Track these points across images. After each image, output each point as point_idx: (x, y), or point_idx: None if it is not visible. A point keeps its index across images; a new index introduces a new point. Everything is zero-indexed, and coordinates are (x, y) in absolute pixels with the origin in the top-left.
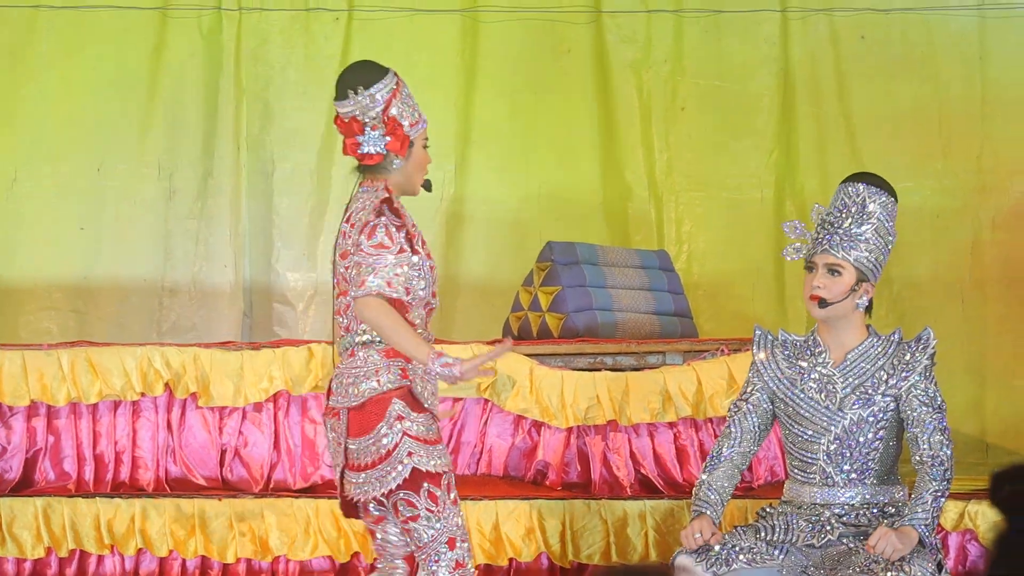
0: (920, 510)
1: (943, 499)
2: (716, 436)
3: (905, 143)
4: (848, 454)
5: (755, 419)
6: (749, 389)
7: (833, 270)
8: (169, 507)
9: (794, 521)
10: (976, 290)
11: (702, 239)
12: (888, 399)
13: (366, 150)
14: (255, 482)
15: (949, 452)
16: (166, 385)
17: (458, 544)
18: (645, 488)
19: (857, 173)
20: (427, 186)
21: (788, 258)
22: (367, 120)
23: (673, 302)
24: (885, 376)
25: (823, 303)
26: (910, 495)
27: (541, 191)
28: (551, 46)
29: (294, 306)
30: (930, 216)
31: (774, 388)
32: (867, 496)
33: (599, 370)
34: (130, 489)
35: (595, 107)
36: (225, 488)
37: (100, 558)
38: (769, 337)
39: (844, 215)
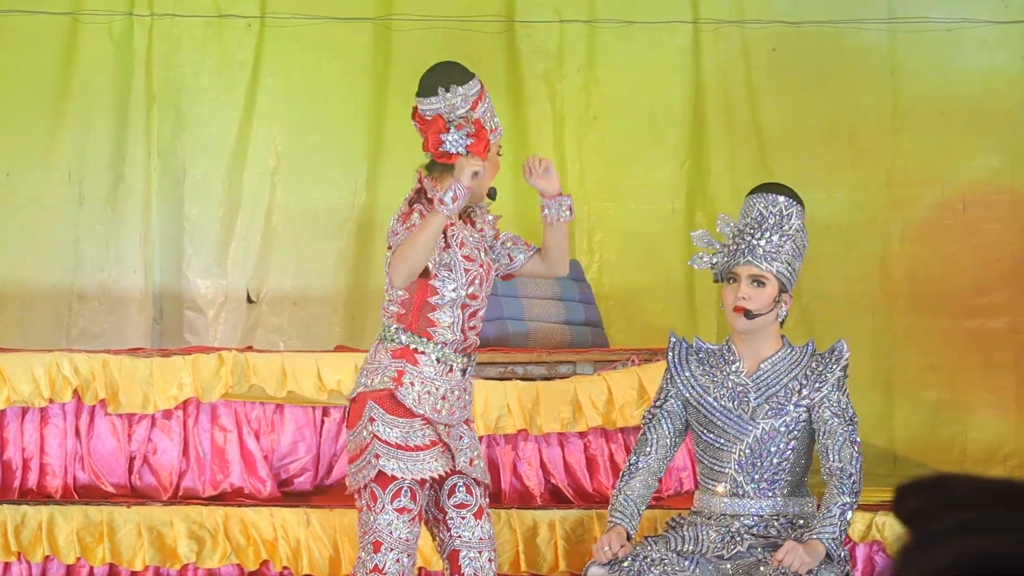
0: (828, 523)
1: (851, 512)
2: (627, 446)
3: (816, 155)
4: (759, 464)
5: (669, 426)
6: (663, 396)
7: (757, 281)
8: (77, 514)
9: (704, 532)
10: (885, 303)
11: (614, 249)
12: (800, 410)
13: (448, 148)
14: (164, 489)
15: (858, 465)
16: (75, 392)
17: (383, 551)
18: (555, 498)
19: (768, 184)
20: (492, 194)
21: (696, 266)
22: (452, 119)
23: (584, 312)
24: (798, 387)
25: (749, 314)
26: (819, 507)
27: None
28: (464, 55)
29: (204, 313)
30: (840, 229)
31: (687, 395)
32: (777, 507)
33: (510, 379)
34: (38, 496)
35: (507, 116)
36: (134, 495)
37: (7, 565)
38: (684, 344)
39: (763, 226)
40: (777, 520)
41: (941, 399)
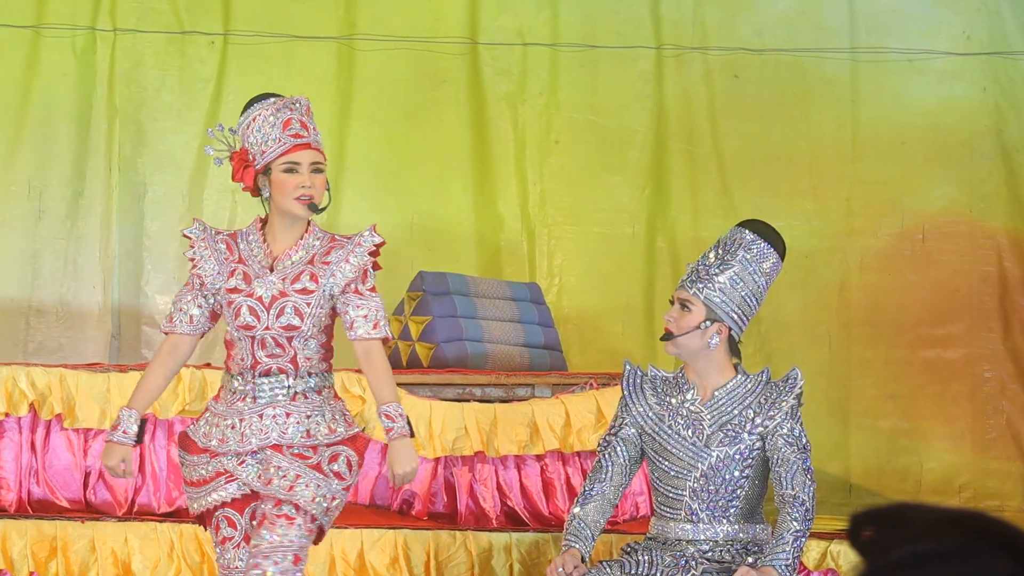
0: (780, 550)
1: (804, 539)
2: (583, 469)
3: (776, 183)
4: (714, 491)
5: (625, 453)
6: (618, 423)
7: (684, 305)
8: (31, 529)
9: (658, 557)
10: (842, 331)
11: (573, 273)
12: (754, 437)
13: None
14: (119, 505)
15: (812, 492)
16: (31, 406)
17: None
18: (511, 520)
19: (752, 220)
20: (312, 208)
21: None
22: (234, 161)
23: (543, 335)
24: (752, 415)
25: (667, 335)
26: (773, 534)
27: (414, 220)
28: (427, 76)
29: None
30: (799, 257)
31: (642, 423)
32: (731, 533)
33: (468, 401)
34: None
35: (469, 138)
36: (88, 511)
37: None
38: (638, 372)
39: (710, 254)
40: (731, 546)
41: (897, 428)
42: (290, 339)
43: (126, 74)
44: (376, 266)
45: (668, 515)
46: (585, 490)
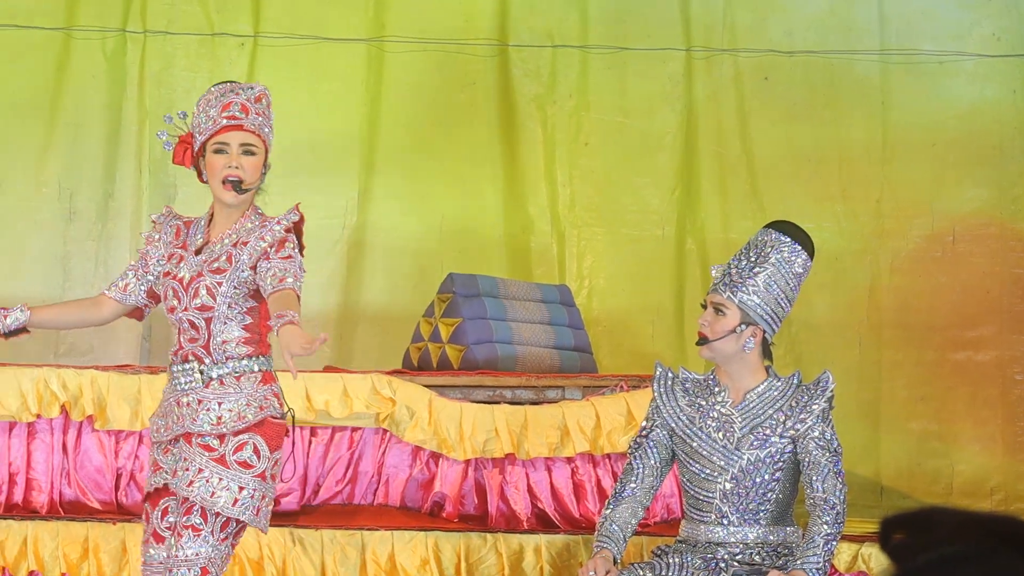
0: (811, 553)
1: (835, 543)
2: (614, 472)
3: (806, 185)
4: (744, 494)
5: (656, 455)
6: (648, 425)
7: (718, 309)
8: (63, 530)
9: (689, 560)
10: (872, 334)
11: (603, 275)
12: (785, 441)
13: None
14: None
15: (842, 496)
16: (62, 407)
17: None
18: (541, 522)
19: (779, 221)
20: (236, 187)
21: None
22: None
23: (573, 337)
24: (783, 418)
25: (703, 340)
26: (803, 537)
27: (444, 222)
28: (456, 78)
29: None
30: (829, 258)
31: (673, 425)
32: (761, 536)
33: (498, 403)
34: (23, 511)
35: (499, 140)
36: (120, 512)
37: None
38: (669, 374)
39: (742, 258)
40: (762, 548)
41: (928, 431)
42: (208, 321)
43: (156, 76)
44: (299, 243)
45: (698, 518)
46: (616, 492)
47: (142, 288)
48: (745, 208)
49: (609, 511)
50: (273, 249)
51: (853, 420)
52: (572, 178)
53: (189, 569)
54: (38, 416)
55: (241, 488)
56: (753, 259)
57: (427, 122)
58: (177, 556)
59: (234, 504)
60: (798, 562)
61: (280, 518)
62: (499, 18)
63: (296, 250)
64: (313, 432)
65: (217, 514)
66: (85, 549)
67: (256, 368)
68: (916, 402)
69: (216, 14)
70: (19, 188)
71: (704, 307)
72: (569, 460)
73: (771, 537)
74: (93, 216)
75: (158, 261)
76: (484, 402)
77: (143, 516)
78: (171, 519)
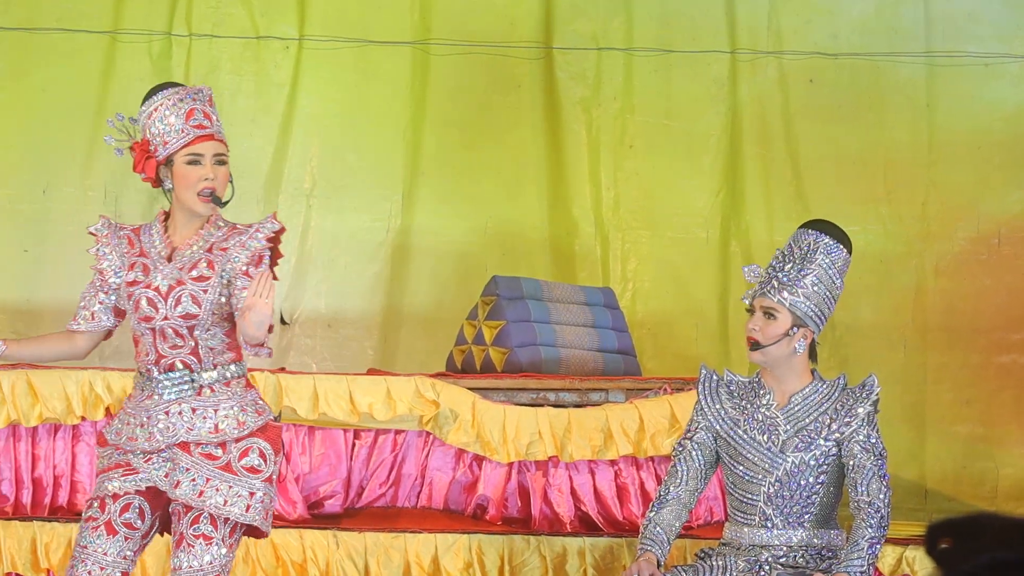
0: (855, 556)
1: (879, 546)
2: (657, 475)
3: (851, 187)
4: (788, 496)
5: (700, 458)
6: (693, 428)
7: (768, 313)
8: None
9: (732, 562)
10: (918, 336)
11: (647, 277)
12: (830, 444)
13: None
14: None
15: (887, 499)
16: (107, 410)
17: (71, 562)
18: (585, 525)
19: (815, 220)
20: (216, 201)
21: (746, 302)
22: (135, 152)
23: (617, 339)
24: (828, 421)
25: (755, 345)
26: (847, 540)
27: (488, 225)
28: (501, 81)
29: None
30: (874, 261)
31: (717, 428)
32: (805, 539)
33: (541, 405)
34: (68, 513)
35: (544, 142)
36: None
37: None
38: (714, 377)
39: (787, 260)
40: (806, 551)
41: (973, 434)
42: (191, 329)
43: (202, 79)
44: (276, 253)
45: (742, 520)
46: (660, 495)
47: (108, 309)
48: (790, 210)
49: (653, 514)
50: (252, 263)
51: (898, 423)
52: (616, 181)
53: None
54: (83, 419)
55: (252, 494)
56: (799, 261)
57: (472, 125)
58: (193, 567)
59: (247, 511)
60: (842, 565)
61: (324, 520)
62: (544, 21)
63: (270, 265)
64: (357, 435)
65: (227, 520)
66: None
67: (240, 373)
68: (961, 405)
69: (261, 17)
70: (65, 192)
71: (750, 311)
72: (613, 463)
73: (815, 540)
74: (138, 220)
75: (116, 273)
76: (528, 405)
77: (87, 506)
78: (129, 517)
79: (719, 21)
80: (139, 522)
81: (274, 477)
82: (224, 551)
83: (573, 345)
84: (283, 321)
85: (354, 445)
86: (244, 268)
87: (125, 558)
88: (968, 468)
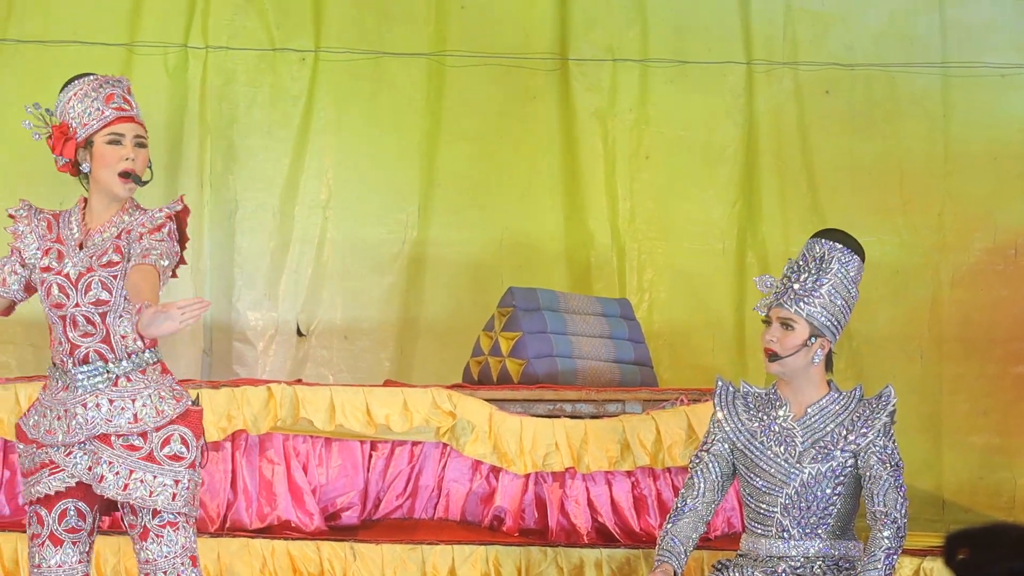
0: (872, 567)
1: (896, 557)
2: (674, 486)
3: (867, 198)
4: (805, 507)
5: (717, 469)
6: (710, 440)
7: (786, 324)
8: (124, 544)
9: (750, 573)
10: (934, 347)
11: (663, 288)
12: (847, 455)
13: (56, 161)
14: (211, 521)
15: (904, 510)
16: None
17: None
18: (602, 536)
19: (826, 229)
20: (136, 180)
21: (761, 312)
22: (54, 135)
23: (634, 351)
24: (844, 432)
25: (774, 357)
26: (864, 551)
27: (504, 236)
28: (517, 92)
29: (254, 345)
30: (890, 272)
31: (734, 439)
32: (822, 550)
33: (558, 417)
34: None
35: (559, 154)
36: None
37: None
38: (730, 388)
39: (802, 270)
40: (823, 562)
41: (990, 444)
42: (103, 316)
43: (218, 91)
44: (183, 235)
45: (760, 531)
46: (677, 506)
47: (20, 283)
48: (806, 221)
49: (670, 525)
50: (147, 232)
51: (915, 434)
52: (632, 192)
53: (183, 561)
54: None
55: (177, 482)
56: (814, 271)
57: (487, 136)
58: (169, 554)
59: (173, 499)
60: (859, 575)
61: (340, 532)
62: (559, 32)
63: (171, 235)
64: (373, 446)
65: (155, 512)
66: None
67: (154, 360)
68: (978, 416)
69: (277, 29)
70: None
71: (767, 322)
72: (629, 474)
73: (832, 551)
74: None
75: (33, 255)
76: (544, 416)
77: (28, 522)
78: (70, 522)
79: (735, 32)
80: (80, 523)
81: (198, 462)
82: (191, 533)
83: (590, 356)
84: (300, 333)
85: (371, 457)
86: (140, 232)
87: (81, 561)
88: (985, 479)
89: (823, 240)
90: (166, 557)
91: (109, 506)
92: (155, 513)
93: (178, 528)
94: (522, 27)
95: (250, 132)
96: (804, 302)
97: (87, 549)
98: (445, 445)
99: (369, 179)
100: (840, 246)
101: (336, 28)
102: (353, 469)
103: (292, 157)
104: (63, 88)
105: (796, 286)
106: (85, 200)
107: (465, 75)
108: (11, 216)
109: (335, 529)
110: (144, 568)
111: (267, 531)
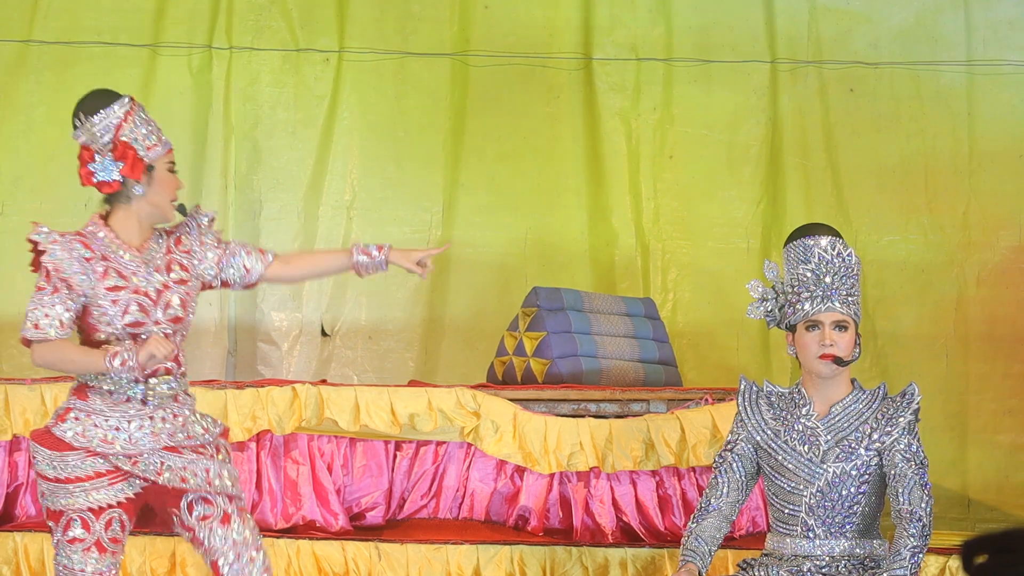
0: (897, 566)
1: (921, 555)
2: (699, 485)
3: (891, 196)
4: (830, 506)
5: (741, 469)
6: (734, 439)
7: (840, 326)
8: (149, 545)
9: (775, 573)
10: (959, 346)
11: (688, 288)
12: (871, 453)
13: (101, 177)
14: None
15: (929, 508)
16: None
17: None
18: (627, 536)
19: (811, 225)
20: (181, 210)
21: (753, 316)
22: (98, 148)
23: (658, 350)
24: (869, 430)
25: (840, 361)
26: (889, 549)
27: (528, 236)
28: (541, 92)
29: (279, 346)
30: (915, 270)
31: (758, 439)
32: (847, 549)
33: (583, 416)
34: None
35: (583, 153)
36: None
37: None
38: (754, 388)
39: (833, 270)
40: (848, 561)
41: (1015, 443)
42: (175, 333)
43: (242, 92)
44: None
45: (784, 531)
46: (702, 505)
47: (73, 318)
48: (830, 220)
49: (695, 525)
50: (219, 241)
51: (940, 433)
52: (656, 191)
53: (260, 540)
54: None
55: (239, 476)
56: (841, 269)
57: (511, 136)
58: (247, 536)
59: (232, 487)
60: (884, 574)
61: (365, 532)
62: (583, 32)
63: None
64: (398, 446)
65: (232, 497)
66: (172, 563)
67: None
68: (1003, 415)
69: (301, 30)
70: None
71: (812, 328)
72: (654, 473)
73: (857, 550)
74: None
75: (83, 280)
76: (569, 416)
77: (66, 524)
78: (114, 532)
79: (759, 31)
80: (121, 534)
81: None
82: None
83: (614, 356)
84: (324, 333)
85: (395, 456)
86: (221, 246)
87: (112, 571)
88: (1011, 478)
89: (820, 237)
90: (253, 532)
91: (143, 517)
92: (231, 498)
93: (245, 513)
94: (546, 27)
95: (274, 133)
96: (851, 302)
97: (118, 563)
98: (470, 445)
99: (393, 179)
100: (839, 240)
101: (360, 28)
102: (378, 469)
103: (316, 158)
104: (101, 105)
105: (830, 290)
106: (102, 217)
107: (489, 75)
108: (31, 241)
109: (360, 529)
110: (234, 549)
111: (292, 531)
